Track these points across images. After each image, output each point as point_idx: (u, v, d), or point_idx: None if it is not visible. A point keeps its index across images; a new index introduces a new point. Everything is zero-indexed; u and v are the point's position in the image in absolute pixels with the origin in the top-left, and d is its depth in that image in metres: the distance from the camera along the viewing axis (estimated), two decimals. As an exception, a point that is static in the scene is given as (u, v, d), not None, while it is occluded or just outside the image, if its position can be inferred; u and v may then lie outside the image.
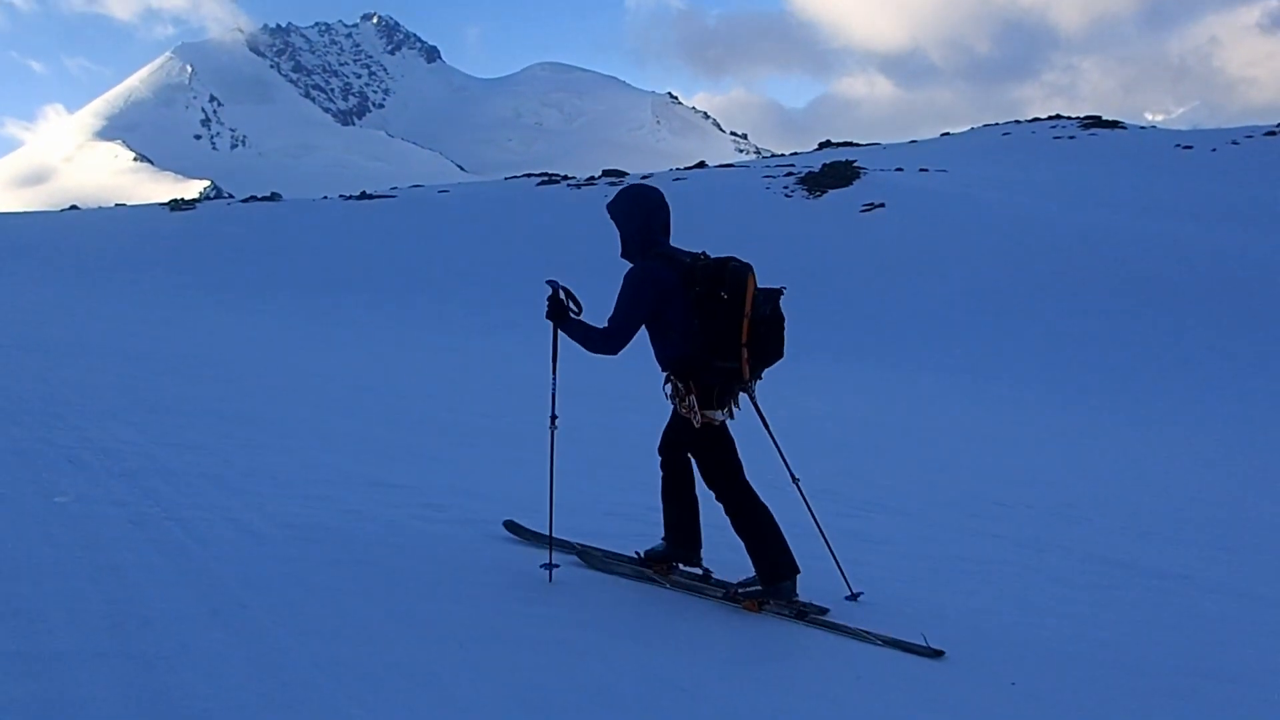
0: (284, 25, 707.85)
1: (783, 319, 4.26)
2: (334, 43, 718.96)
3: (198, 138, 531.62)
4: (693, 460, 4.48)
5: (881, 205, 33.62)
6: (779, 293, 4.26)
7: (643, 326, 4.28)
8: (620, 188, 4.76)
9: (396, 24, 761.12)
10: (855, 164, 39.24)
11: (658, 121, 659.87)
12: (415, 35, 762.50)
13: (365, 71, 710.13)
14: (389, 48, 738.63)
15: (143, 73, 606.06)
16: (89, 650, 2.79)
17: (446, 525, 5.13)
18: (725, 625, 4.15)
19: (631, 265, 4.38)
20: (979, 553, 6.57)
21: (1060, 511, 8.60)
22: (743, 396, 4.40)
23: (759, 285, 4.18)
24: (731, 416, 4.36)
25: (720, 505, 4.41)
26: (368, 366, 15.06)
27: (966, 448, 12.87)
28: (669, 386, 4.37)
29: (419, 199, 47.06)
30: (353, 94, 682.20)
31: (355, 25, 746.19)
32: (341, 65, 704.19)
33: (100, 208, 61.75)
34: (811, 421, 13.09)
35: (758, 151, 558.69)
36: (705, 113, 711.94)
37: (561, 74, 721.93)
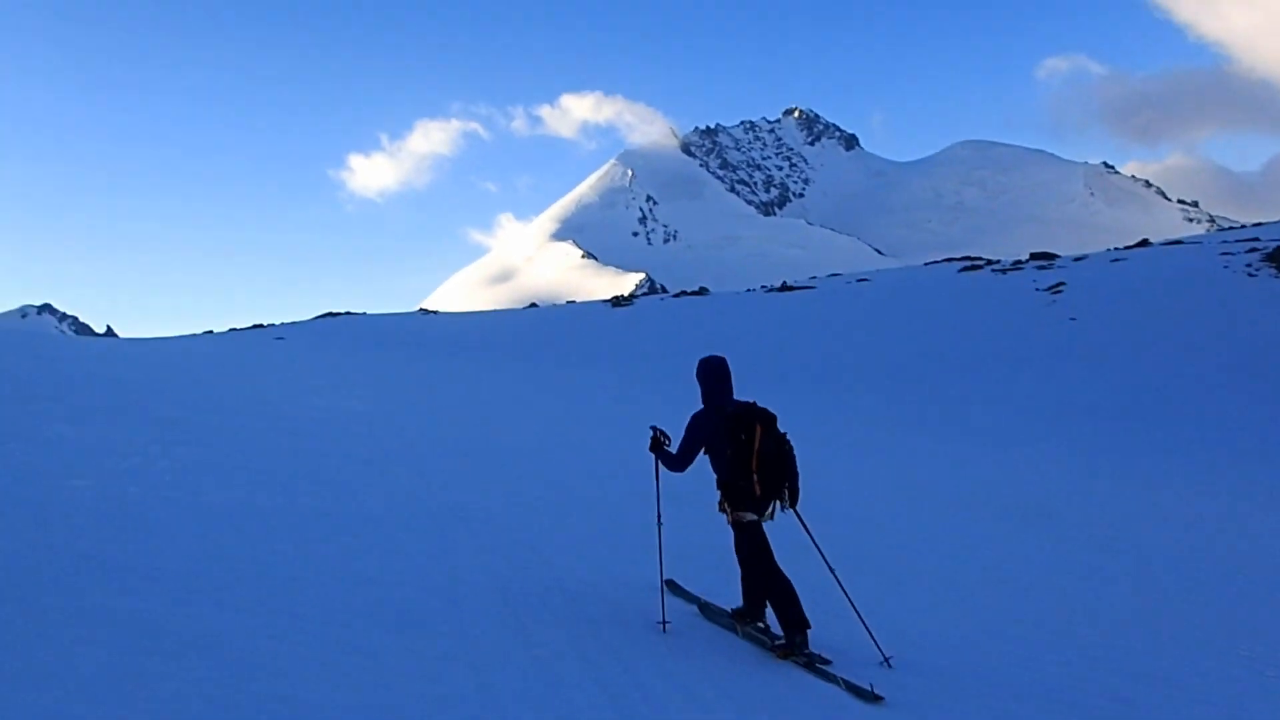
0: (713, 126, 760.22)
1: (787, 453, 5.81)
2: (758, 138, 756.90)
3: (635, 234, 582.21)
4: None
5: (1374, 285, 28.44)
6: (782, 435, 5.81)
7: (703, 453, 5.98)
8: (701, 358, 6.19)
9: (816, 116, 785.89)
10: (1336, 234, 33.69)
11: (1091, 193, 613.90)
12: (835, 125, 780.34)
13: (786, 163, 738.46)
14: (809, 139, 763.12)
15: (591, 179, 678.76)
16: None
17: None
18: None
19: (695, 411, 6.05)
20: None
21: None
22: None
23: (774, 430, 5.77)
24: (768, 518, 5.89)
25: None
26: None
27: None
28: (718, 498, 5.99)
29: (837, 289, 47.68)
30: (774, 185, 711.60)
31: (778, 120, 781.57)
32: (765, 159, 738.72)
33: (555, 305, 69.71)
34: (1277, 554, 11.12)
35: (1212, 220, 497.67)
36: (1146, 180, 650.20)
37: (982, 151, 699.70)
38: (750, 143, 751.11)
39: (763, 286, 53.64)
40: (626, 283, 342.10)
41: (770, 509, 5.87)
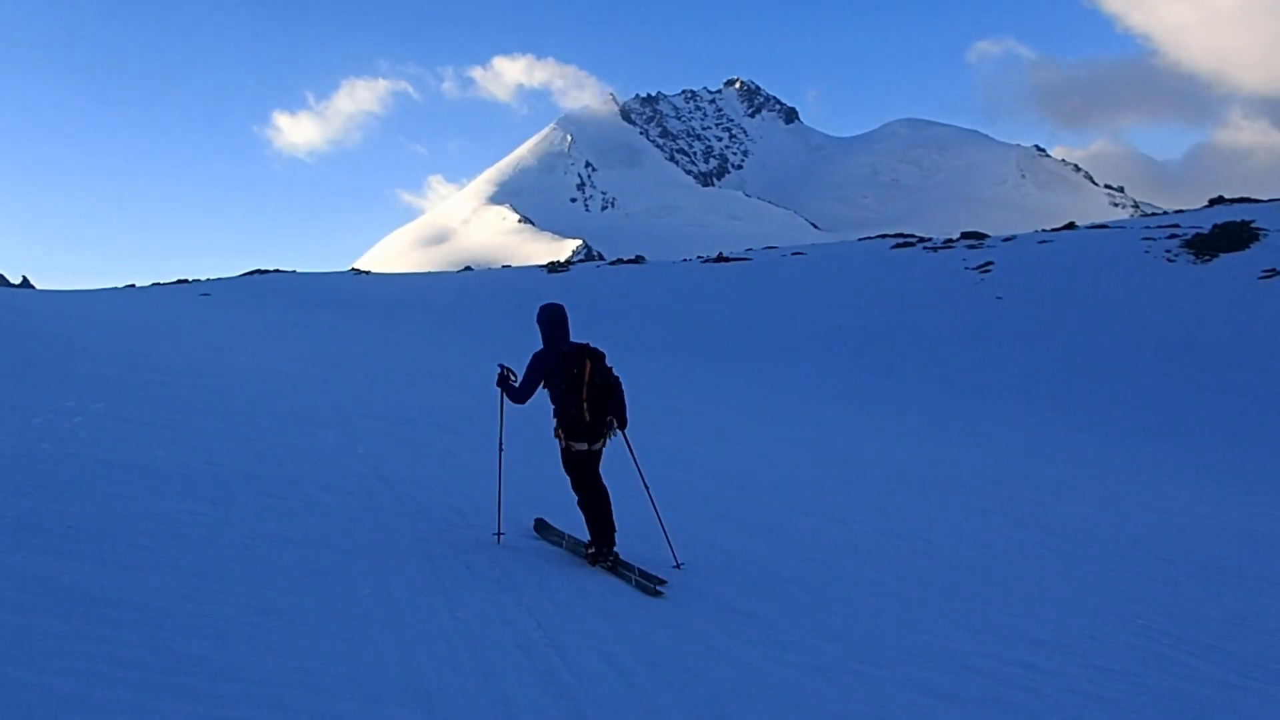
0: (654, 94, 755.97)
1: (613, 385, 6.81)
2: (698, 108, 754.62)
3: (573, 200, 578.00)
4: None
5: (1285, 272, 29.61)
6: (608, 369, 6.81)
7: (541, 388, 6.80)
8: (541, 305, 6.97)
9: (757, 88, 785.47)
10: (1253, 224, 34.86)
11: (1022, 175, 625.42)
12: (775, 98, 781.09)
13: (726, 135, 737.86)
14: (749, 111, 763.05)
15: (529, 143, 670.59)
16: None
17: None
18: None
19: (535, 351, 6.85)
20: None
21: None
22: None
23: (601, 365, 6.74)
24: (602, 445, 6.86)
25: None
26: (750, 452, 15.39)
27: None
28: (554, 425, 6.85)
29: (772, 262, 48.06)
30: (714, 156, 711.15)
31: (719, 91, 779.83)
32: (705, 129, 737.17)
33: (490, 269, 69.04)
34: (1182, 528, 11.58)
35: (1136, 206, 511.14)
36: (1075, 165, 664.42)
37: (919, 130, 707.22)
38: (691, 112, 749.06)
39: (699, 257, 53.82)
40: (563, 249, 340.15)
41: (603, 438, 6.83)
